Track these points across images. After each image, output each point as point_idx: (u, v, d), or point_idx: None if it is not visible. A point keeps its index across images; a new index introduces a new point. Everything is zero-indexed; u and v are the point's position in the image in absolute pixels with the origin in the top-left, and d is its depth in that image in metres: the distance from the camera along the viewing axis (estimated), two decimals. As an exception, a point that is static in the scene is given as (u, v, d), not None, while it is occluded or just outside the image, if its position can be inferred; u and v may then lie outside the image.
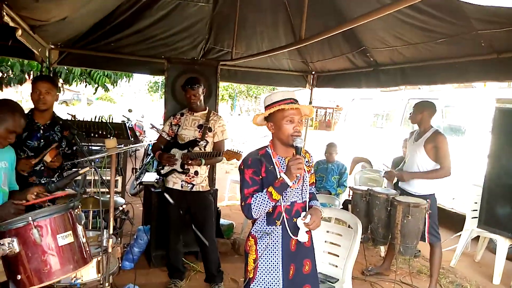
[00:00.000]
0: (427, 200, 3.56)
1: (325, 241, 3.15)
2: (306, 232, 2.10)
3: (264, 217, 2.10)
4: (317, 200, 2.30)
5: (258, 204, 1.98)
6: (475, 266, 4.74)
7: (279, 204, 2.04)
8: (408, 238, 3.45)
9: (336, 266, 3.01)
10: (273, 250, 2.08)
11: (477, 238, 4.80)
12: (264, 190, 1.99)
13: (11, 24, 2.58)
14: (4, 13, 2.36)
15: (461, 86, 6.00)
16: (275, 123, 2.07)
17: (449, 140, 3.75)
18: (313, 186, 2.33)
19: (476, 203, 4.45)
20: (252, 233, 2.14)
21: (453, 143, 3.83)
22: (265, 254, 2.07)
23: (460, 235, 4.70)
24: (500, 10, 2.74)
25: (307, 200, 2.17)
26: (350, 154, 7.68)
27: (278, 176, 2.02)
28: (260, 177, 2.05)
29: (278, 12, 4.61)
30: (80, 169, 1.91)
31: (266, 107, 2.11)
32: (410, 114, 3.95)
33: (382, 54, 4.37)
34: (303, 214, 2.08)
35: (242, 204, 2.04)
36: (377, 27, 3.90)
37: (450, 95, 6.25)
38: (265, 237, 2.09)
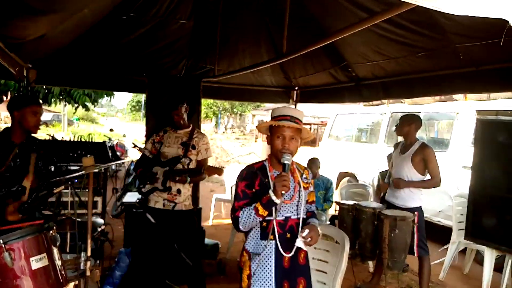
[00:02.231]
0: (414, 212, 3.55)
1: (313, 258, 3.07)
2: (299, 250, 2.10)
3: (258, 231, 2.09)
4: (317, 219, 2.26)
5: (245, 218, 2.00)
6: (463, 279, 4.72)
7: (273, 218, 2.02)
8: (396, 252, 3.40)
9: (325, 283, 2.93)
10: (266, 266, 2.06)
11: (464, 250, 4.79)
12: (253, 205, 2.00)
13: (-14, 43, 2.51)
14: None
15: (442, 99, 6.09)
16: (271, 137, 2.11)
17: (433, 152, 3.77)
18: (313, 205, 2.31)
19: (462, 215, 4.46)
20: (246, 248, 2.12)
21: (437, 156, 3.85)
22: (259, 270, 2.06)
23: (448, 247, 4.69)
24: (477, 25, 2.80)
25: (303, 216, 2.15)
26: (335, 169, 7.68)
27: (270, 187, 2.02)
28: (253, 190, 2.06)
29: (260, 30, 4.65)
30: (54, 188, 1.83)
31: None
32: (396, 126, 3.96)
33: (363, 69, 4.43)
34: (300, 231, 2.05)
35: (232, 216, 2.07)
36: (357, 42, 3.95)
37: (432, 108, 6.34)
38: (260, 252, 2.06)
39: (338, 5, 3.43)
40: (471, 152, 4.17)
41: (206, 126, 29.24)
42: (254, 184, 2.06)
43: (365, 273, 4.65)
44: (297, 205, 2.12)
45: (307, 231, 2.01)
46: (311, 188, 2.28)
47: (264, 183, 2.05)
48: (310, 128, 29.85)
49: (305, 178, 2.22)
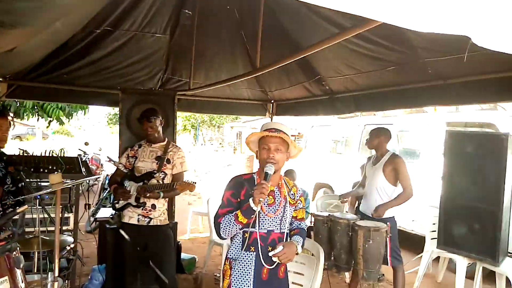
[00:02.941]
0: (387, 223, 3.60)
1: (288, 271, 3.07)
2: (280, 264, 2.15)
3: (240, 241, 2.13)
4: (303, 238, 2.26)
5: (226, 224, 2.05)
6: (437, 287, 4.80)
7: (255, 230, 2.08)
8: (370, 263, 3.44)
9: (300, 296, 2.94)
10: (245, 276, 2.10)
11: (438, 258, 4.88)
12: (233, 214, 2.05)
13: (-48, 56, 2.44)
14: None
15: (413, 111, 6.26)
16: (258, 150, 2.18)
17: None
18: (303, 222, 2.35)
19: (434, 224, 4.55)
20: (228, 256, 2.17)
21: (409, 167, 3.93)
22: (238, 280, 2.10)
23: (421, 256, 4.77)
24: (442, 40, 2.90)
25: (286, 232, 2.19)
26: (312, 180, 7.74)
27: None
28: (238, 199, 2.11)
29: (236, 43, 4.69)
30: (18, 207, 1.78)
31: None
32: (366, 140, 4.04)
33: (336, 83, 4.52)
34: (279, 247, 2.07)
35: (214, 222, 2.12)
36: (330, 56, 4.03)
37: (403, 120, 6.50)
38: (236, 263, 2.12)
39: (310, 20, 3.50)
40: (442, 162, 4.29)
41: (185, 139, 29.01)
42: (240, 194, 2.12)
43: (342, 284, 4.68)
44: (281, 220, 2.16)
45: (280, 248, 2.05)
46: (301, 205, 2.32)
47: (250, 194, 2.08)
48: (289, 140, 29.93)
49: (292, 194, 2.26)
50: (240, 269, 2.10)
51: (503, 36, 0.90)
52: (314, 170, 8.00)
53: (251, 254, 2.10)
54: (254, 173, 2.23)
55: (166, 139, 3.52)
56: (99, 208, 5.55)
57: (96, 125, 43.83)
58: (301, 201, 2.32)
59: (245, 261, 2.10)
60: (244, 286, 2.09)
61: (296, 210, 2.29)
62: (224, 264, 2.19)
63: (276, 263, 2.11)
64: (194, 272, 4.64)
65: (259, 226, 2.08)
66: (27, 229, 3.24)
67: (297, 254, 2.15)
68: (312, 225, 4.02)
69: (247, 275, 2.09)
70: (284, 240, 2.17)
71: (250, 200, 1.99)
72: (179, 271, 4.33)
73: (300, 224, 2.32)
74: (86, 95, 4.89)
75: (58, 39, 3.85)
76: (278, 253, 2.04)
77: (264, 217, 2.10)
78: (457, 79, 3.36)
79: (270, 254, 2.06)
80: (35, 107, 7.59)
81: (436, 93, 3.55)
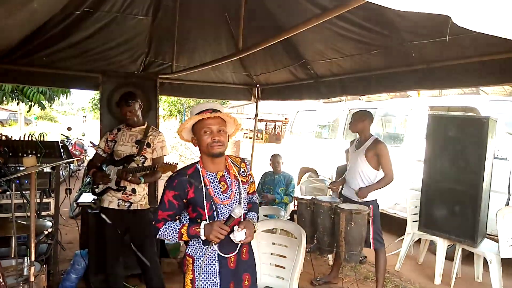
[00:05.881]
0: (369, 206, 3.64)
1: (271, 254, 3.11)
2: (242, 246, 2.04)
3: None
4: (256, 212, 2.18)
5: (166, 234, 1.96)
6: (418, 268, 4.91)
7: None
8: (352, 245, 3.49)
9: (283, 278, 2.98)
10: (210, 269, 1.98)
11: (419, 241, 4.98)
12: (177, 226, 1.93)
13: None
14: None
15: (397, 95, 6.28)
16: (196, 136, 2.00)
17: (389, 147, 3.86)
18: (254, 195, 2.27)
19: (416, 207, 4.62)
20: (188, 253, 2.04)
21: (393, 151, 3.95)
22: (203, 274, 1.97)
23: (403, 239, 4.85)
24: (424, 22, 2.90)
25: (245, 212, 2.07)
26: (297, 164, 7.77)
27: (206, 193, 1.94)
28: (185, 200, 1.97)
29: (220, 26, 4.61)
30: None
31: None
32: (350, 123, 4.04)
33: (321, 66, 4.49)
34: (235, 227, 1.94)
35: (153, 223, 1.99)
36: (315, 40, 4.00)
37: (388, 104, 6.53)
38: (202, 257, 1.98)
39: (294, 2, 3.46)
40: (424, 146, 4.34)
41: (171, 124, 28.79)
42: (187, 195, 1.95)
43: (326, 266, 4.75)
44: (238, 203, 2.03)
45: (243, 231, 1.93)
46: (251, 179, 2.21)
47: (199, 189, 1.95)
48: (275, 125, 29.89)
49: (243, 171, 2.13)
50: (204, 263, 1.97)
51: (483, 16, 0.88)
52: (299, 154, 8.03)
53: (212, 248, 1.97)
54: (197, 162, 2.04)
55: (146, 123, 3.46)
56: (82, 194, 5.49)
57: (80, 110, 43.22)
58: (251, 175, 2.20)
59: (207, 254, 1.97)
60: (211, 279, 1.97)
61: (248, 185, 2.17)
62: (185, 258, 2.05)
63: (238, 246, 2.01)
64: (178, 256, 4.64)
65: (217, 217, 1.95)
66: (5, 215, 3.19)
67: (254, 231, 2.04)
68: (296, 208, 4.05)
69: (212, 268, 1.98)
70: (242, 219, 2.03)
71: (202, 228, 1.87)
72: (164, 255, 4.33)
73: (252, 198, 2.22)
74: (66, 79, 4.76)
75: (35, 20, 3.72)
76: (243, 236, 1.93)
77: (221, 206, 1.98)
78: (440, 63, 3.36)
79: (237, 239, 1.92)
80: (15, 91, 7.36)
81: (419, 77, 3.55)
